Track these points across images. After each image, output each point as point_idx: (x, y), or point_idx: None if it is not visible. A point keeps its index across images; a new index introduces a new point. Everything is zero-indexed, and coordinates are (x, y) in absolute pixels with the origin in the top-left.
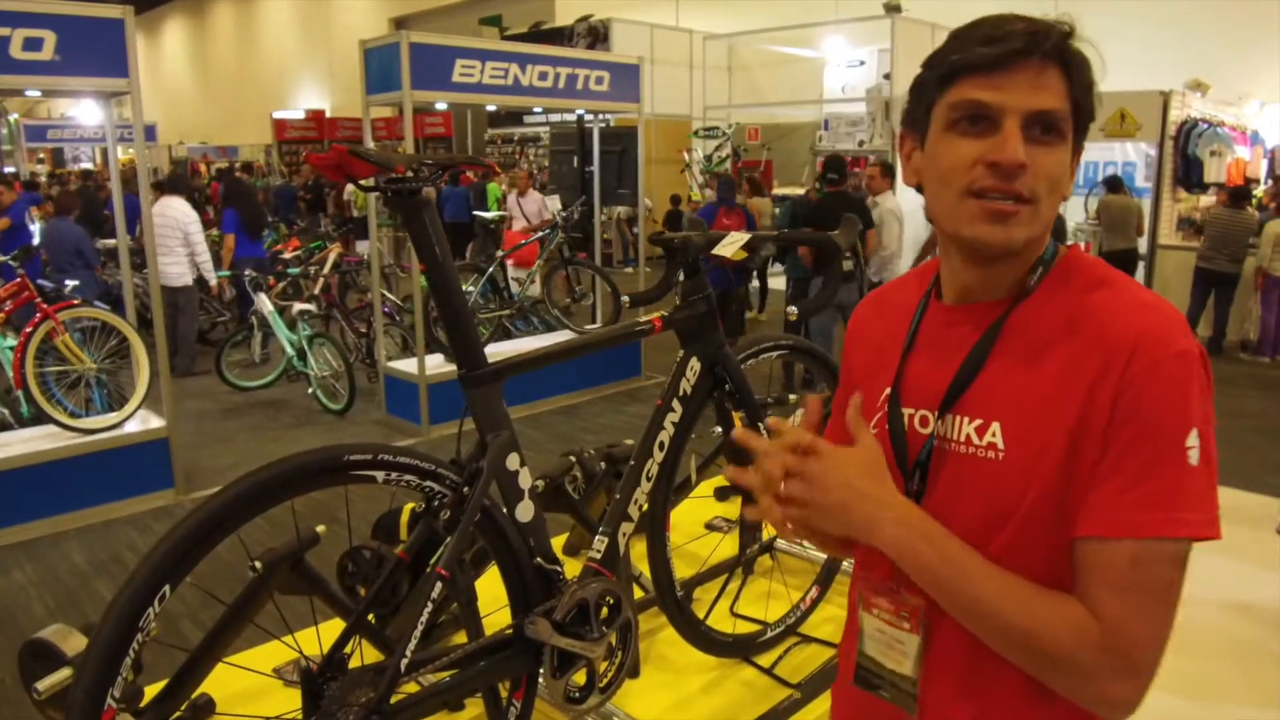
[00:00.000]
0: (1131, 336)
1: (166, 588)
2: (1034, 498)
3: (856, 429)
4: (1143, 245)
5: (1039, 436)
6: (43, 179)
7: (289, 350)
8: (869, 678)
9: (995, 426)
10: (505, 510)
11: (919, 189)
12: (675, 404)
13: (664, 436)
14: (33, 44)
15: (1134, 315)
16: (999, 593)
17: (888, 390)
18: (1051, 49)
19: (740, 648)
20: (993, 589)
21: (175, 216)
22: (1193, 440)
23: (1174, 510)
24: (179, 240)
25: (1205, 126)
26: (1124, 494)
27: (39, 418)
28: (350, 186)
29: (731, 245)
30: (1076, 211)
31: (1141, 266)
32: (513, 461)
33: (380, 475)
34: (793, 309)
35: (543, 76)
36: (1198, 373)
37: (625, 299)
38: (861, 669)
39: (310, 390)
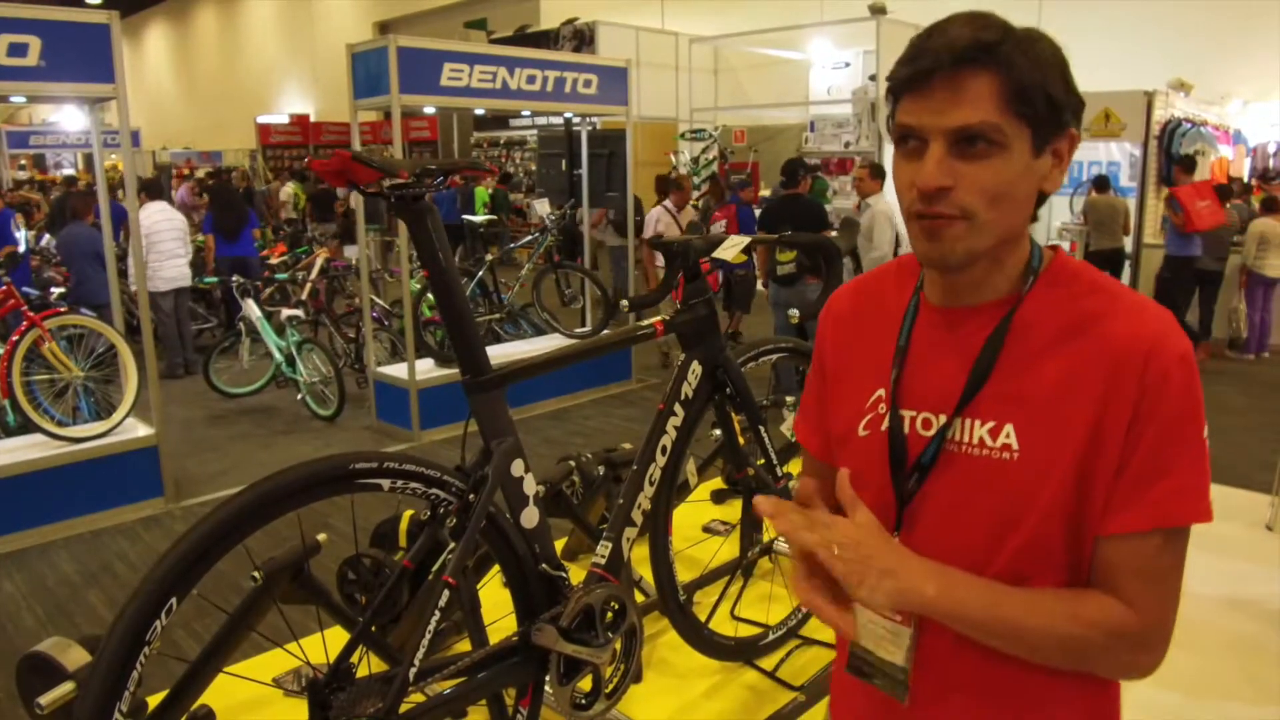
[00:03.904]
0: (1140, 342)
1: (174, 600)
2: (1049, 497)
3: (851, 504)
4: (1129, 244)
5: (1053, 436)
6: (26, 186)
7: (277, 356)
8: (862, 667)
9: (1009, 428)
10: (510, 517)
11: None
12: (677, 408)
13: (666, 440)
14: (18, 50)
15: (1136, 319)
16: (1039, 613)
17: (881, 391)
18: (971, 56)
19: (743, 651)
20: (1033, 611)
21: (180, 218)
22: (1204, 432)
23: (1200, 499)
24: (181, 242)
25: (1189, 126)
26: (1152, 489)
27: (25, 427)
28: (287, 187)
29: (732, 249)
30: (1063, 211)
31: (1127, 265)
32: (517, 468)
33: (386, 483)
34: (794, 311)
35: (531, 80)
36: (1195, 370)
37: (624, 302)
38: (855, 658)
39: (299, 396)
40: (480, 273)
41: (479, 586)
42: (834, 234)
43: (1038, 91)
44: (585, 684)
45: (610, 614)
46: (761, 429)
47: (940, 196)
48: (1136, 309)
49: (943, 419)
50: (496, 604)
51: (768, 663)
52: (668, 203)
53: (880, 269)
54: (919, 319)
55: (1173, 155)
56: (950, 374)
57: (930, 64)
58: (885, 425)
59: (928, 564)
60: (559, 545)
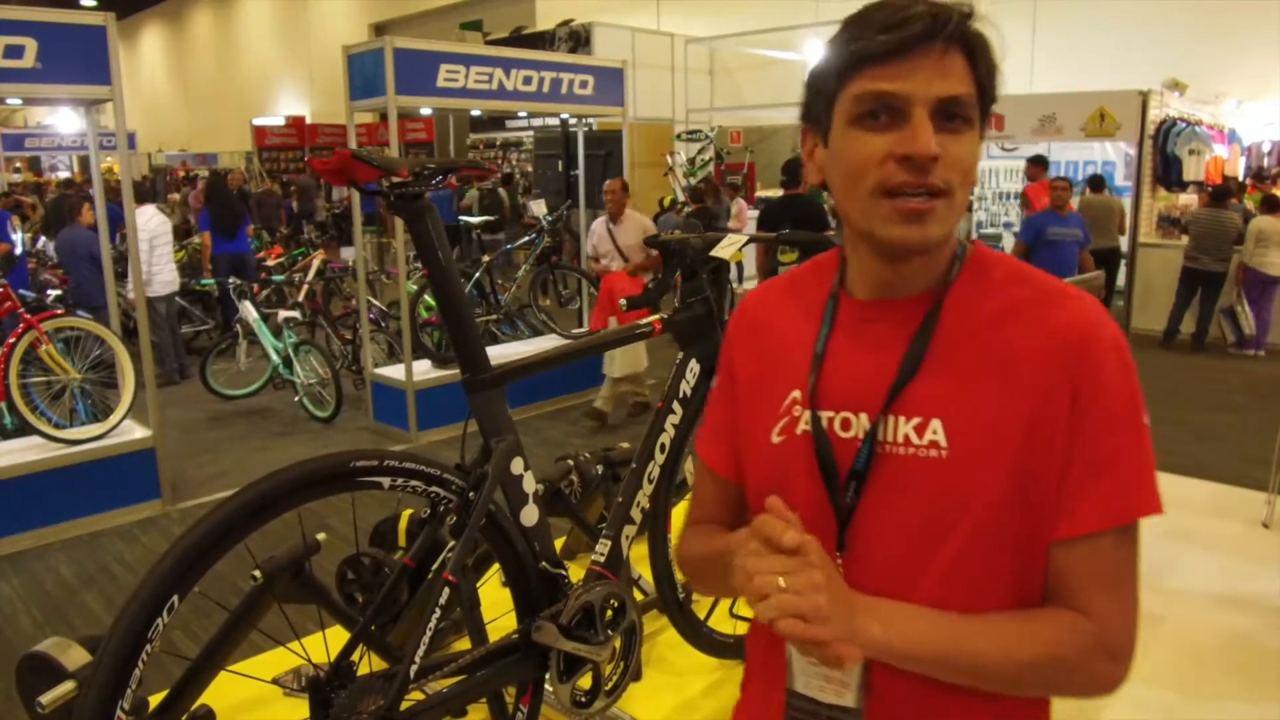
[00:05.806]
0: (1075, 328)
1: (175, 598)
2: (985, 500)
3: (783, 533)
4: (1124, 244)
5: (985, 432)
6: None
7: (274, 358)
8: (803, 718)
9: (936, 424)
10: (510, 515)
11: (824, 187)
12: (675, 406)
13: (665, 439)
14: (13, 52)
15: (1068, 306)
16: (1000, 640)
17: (796, 393)
18: (954, 32)
19: (741, 649)
20: (992, 639)
21: (167, 223)
22: (1145, 419)
23: (1147, 490)
24: (170, 246)
25: (1183, 125)
26: (1097, 485)
27: (22, 429)
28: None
29: (730, 247)
30: None
31: (1123, 265)
32: (517, 466)
33: (386, 481)
34: None
35: (527, 80)
36: (1129, 355)
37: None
38: (793, 709)
39: (296, 398)
40: (477, 274)
41: (479, 585)
42: (831, 233)
43: (992, 76)
44: (585, 681)
45: (610, 612)
46: None
47: (932, 166)
48: (1064, 296)
49: (863, 418)
50: (496, 602)
51: None
52: (604, 219)
53: (793, 272)
54: (839, 315)
55: (1167, 155)
56: (873, 370)
57: (923, 31)
58: (802, 428)
59: (869, 602)
60: (557, 544)
